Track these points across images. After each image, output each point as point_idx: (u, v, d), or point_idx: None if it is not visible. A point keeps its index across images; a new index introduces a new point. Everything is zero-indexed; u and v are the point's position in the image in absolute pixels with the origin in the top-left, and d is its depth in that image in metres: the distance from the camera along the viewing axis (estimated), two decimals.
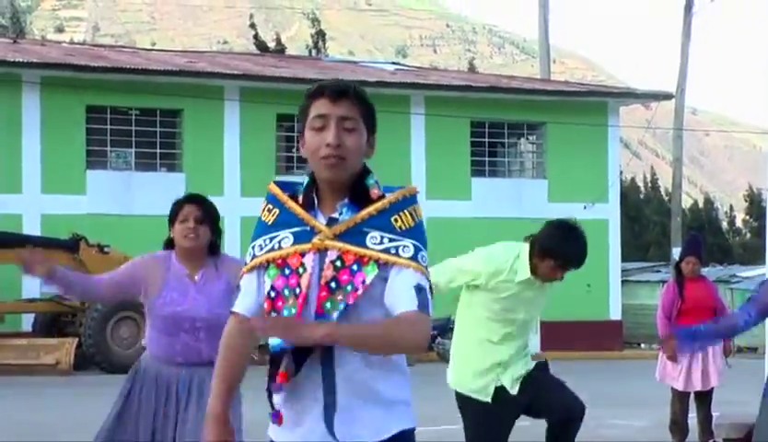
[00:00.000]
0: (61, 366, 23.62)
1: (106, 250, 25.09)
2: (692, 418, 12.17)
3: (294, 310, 3.74)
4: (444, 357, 27.26)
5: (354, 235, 3.76)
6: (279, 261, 3.81)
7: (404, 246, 3.76)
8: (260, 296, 3.86)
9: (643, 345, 33.87)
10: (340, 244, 3.75)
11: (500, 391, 7.18)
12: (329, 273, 3.74)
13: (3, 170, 28.03)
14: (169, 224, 6.35)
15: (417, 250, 3.77)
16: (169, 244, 6.40)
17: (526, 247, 7.05)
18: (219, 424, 3.90)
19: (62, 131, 29.09)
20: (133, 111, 30.38)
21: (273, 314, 3.78)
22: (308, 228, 3.80)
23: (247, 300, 3.89)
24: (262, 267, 3.86)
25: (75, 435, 13.01)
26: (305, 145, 3.84)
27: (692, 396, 12.09)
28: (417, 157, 32.42)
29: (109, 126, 29.90)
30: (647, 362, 18.09)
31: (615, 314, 33.92)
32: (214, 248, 6.36)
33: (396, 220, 3.80)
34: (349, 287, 3.70)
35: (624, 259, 36.33)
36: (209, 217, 6.26)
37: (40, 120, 29.16)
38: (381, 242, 3.76)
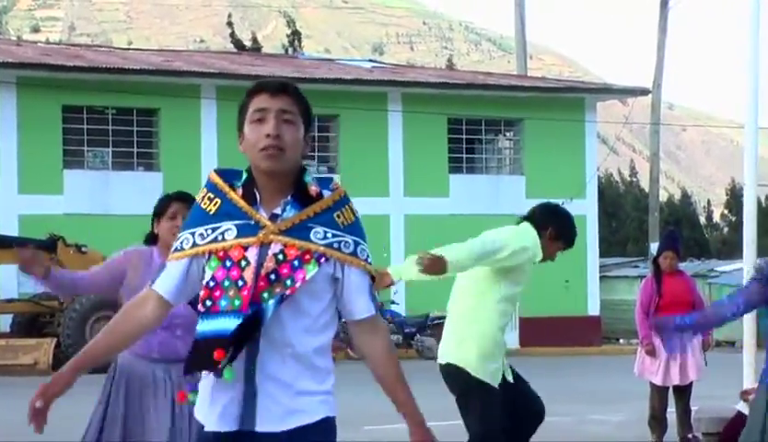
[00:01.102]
0: (39, 366, 23.55)
1: (84, 250, 25.04)
2: (671, 413, 12.20)
3: (237, 302, 3.82)
4: (423, 354, 27.30)
5: (300, 230, 3.87)
6: (221, 254, 3.87)
7: (345, 242, 3.92)
8: (182, 283, 3.97)
9: (621, 341, 33.95)
10: (285, 238, 3.85)
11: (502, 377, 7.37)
12: (270, 264, 3.83)
13: None
14: (155, 219, 6.35)
15: (356, 244, 3.94)
16: (151, 239, 6.40)
17: (531, 229, 7.22)
18: (52, 383, 4.21)
19: (38, 131, 29.00)
20: (109, 111, 30.32)
21: (209, 303, 3.85)
22: (252, 222, 3.88)
23: (169, 283, 3.97)
24: (200, 256, 3.92)
25: (52, 435, 12.99)
26: (243, 140, 3.93)
27: (670, 390, 12.14)
28: (395, 155, 32.42)
29: (85, 126, 29.84)
30: (626, 357, 18.16)
31: (593, 310, 34.00)
32: None
33: (338, 216, 3.94)
34: (288, 281, 3.81)
35: (602, 254, 36.45)
36: None
37: (16, 120, 29.08)
38: (325, 237, 3.89)
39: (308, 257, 3.83)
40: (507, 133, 35.16)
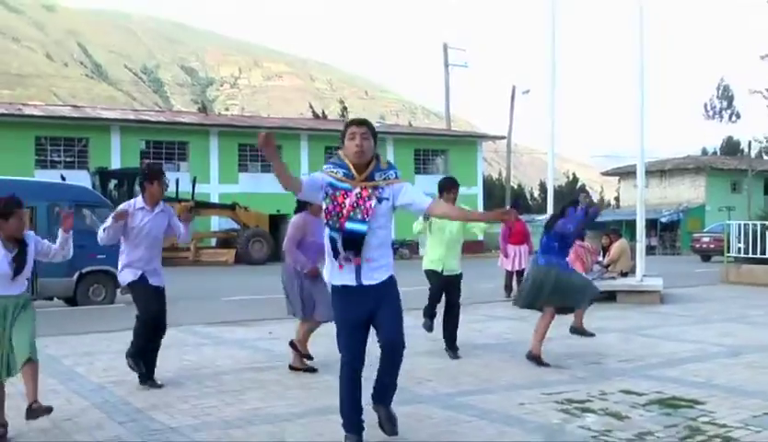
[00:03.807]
0: (228, 261, 23.65)
1: (248, 210, 25.07)
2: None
3: (337, 225, 3.61)
4: (403, 257, 27.15)
5: (369, 179, 3.68)
6: (332, 194, 3.63)
7: (391, 174, 3.72)
8: (312, 182, 3.64)
9: (493, 251, 33.81)
10: (364, 183, 3.66)
11: (440, 271, 6.60)
12: (354, 199, 3.64)
13: (200, 173, 27.94)
14: (305, 205, 5.55)
15: (397, 176, 3.73)
16: (300, 207, 5.64)
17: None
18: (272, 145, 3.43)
19: (228, 155, 28.98)
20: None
21: (326, 219, 3.63)
22: (351, 174, 3.65)
23: (308, 179, 3.65)
24: (325, 180, 3.65)
25: (235, 293, 13.09)
26: (344, 147, 3.72)
27: (514, 274, 12.15)
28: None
29: (249, 152, 29.73)
30: (494, 259, 18.06)
31: (481, 237, 33.92)
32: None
33: (388, 174, 3.72)
34: (362, 207, 3.62)
35: None
36: None
37: (218, 151, 29.02)
38: (381, 178, 3.68)
39: (372, 199, 3.62)
40: (441, 157, 35.01)
